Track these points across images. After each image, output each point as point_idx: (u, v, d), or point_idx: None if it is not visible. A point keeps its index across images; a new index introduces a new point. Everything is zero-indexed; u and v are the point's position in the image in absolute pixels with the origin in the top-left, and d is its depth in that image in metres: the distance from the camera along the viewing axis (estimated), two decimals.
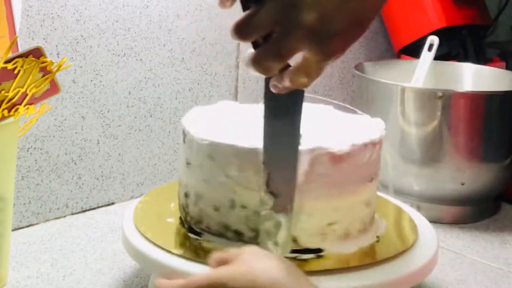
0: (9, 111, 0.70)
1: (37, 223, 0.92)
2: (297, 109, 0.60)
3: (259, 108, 0.79)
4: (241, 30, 0.55)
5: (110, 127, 0.98)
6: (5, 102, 0.69)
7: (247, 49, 0.57)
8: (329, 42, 0.54)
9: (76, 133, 0.94)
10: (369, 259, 0.67)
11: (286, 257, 0.64)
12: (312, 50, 0.54)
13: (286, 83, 0.56)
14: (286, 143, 0.62)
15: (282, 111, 0.60)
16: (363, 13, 0.54)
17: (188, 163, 0.70)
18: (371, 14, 0.55)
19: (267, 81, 0.59)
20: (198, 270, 0.63)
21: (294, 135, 0.61)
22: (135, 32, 0.98)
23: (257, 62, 0.55)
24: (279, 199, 0.63)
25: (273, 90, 0.58)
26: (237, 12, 0.56)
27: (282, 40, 0.54)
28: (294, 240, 0.66)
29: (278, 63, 0.55)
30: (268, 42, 0.55)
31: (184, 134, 0.70)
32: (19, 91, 0.69)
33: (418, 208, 0.90)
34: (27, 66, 0.69)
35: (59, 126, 0.92)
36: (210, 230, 0.68)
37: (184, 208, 0.72)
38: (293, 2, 0.53)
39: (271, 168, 0.62)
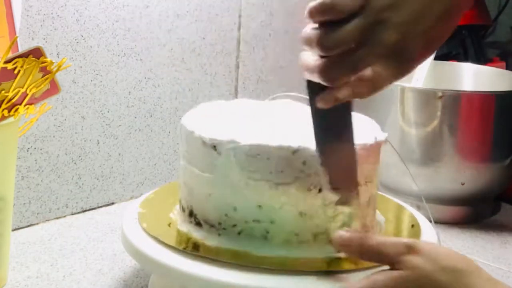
0: (9, 111, 0.70)
1: (37, 223, 0.92)
2: (349, 106, 0.61)
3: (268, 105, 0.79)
4: (324, 43, 0.56)
5: (110, 127, 0.98)
6: (5, 102, 0.69)
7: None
8: (404, 63, 0.57)
9: (76, 133, 0.94)
10: None
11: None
12: (387, 68, 0.56)
13: (345, 92, 0.57)
14: (341, 141, 0.63)
15: (333, 113, 0.60)
16: (437, 36, 0.58)
17: (212, 171, 0.68)
18: (443, 38, 0.59)
19: (312, 88, 0.59)
20: (198, 270, 0.63)
21: (348, 133, 0.62)
22: (135, 32, 0.98)
23: (326, 71, 0.56)
24: (343, 193, 0.64)
25: (320, 104, 0.59)
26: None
27: (361, 55, 0.56)
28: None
29: (347, 75, 0.57)
30: (345, 54, 0.56)
31: (206, 142, 0.68)
32: (19, 91, 0.69)
33: (418, 208, 0.90)
34: (27, 66, 0.69)
35: (59, 126, 0.92)
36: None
37: (189, 207, 0.72)
38: (380, 20, 0.55)
39: (330, 168, 0.63)
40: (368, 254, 0.58)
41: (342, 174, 0.64)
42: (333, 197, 0.64)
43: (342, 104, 0.59)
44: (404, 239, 0.57)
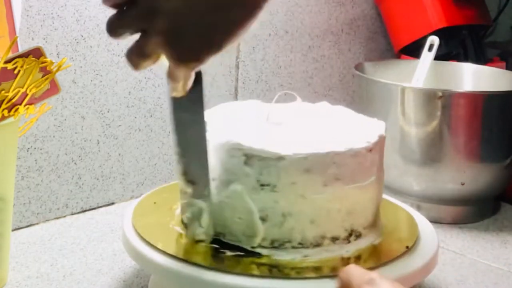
0: (9, 111, 0.70)
1: (37, 223, 0.92)
2: (199, 101, 0.64)
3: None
4: (109, 28, 0.58)
5: (110, 127, 0.98)
6: (5, 102, 0.69)
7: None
8: (180, 51, 0.57)
9: (76, 133, 0.94)
10: (369, 259, 0.67)
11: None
12: (167, 56, 0.58)
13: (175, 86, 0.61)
14: (195, 133, 0.65)
15: (186, 105, 0.64)
16: (215, 30, 0.57)
17: (266, 185, 0.66)
18: (223, 32, 0.57)
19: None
20: (195, 272, 0.63)
21: (200, 125, 0.65)
22: None
23: (128, 57, 0.59)
24: (197, 186, 0.66)
25: (171, 95, 0.63)
26: None
27: (144, 42, 0.57)
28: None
29: (144, 61, 0.59)
30: (136, 41, 0.58)
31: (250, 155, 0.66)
32: (19, 91, 0.69)
33: (418, 208, 0.90)
34: (27, 66, 0.69)
35: (59, 126, 0.92)
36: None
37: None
38: (153, 8, 0.56)
39: (187, 158, 0.66)
40: (341, 278, 0.58)
41: (196, 168, 0.66)
42: (188, 189, 0.67)
43: (192, 98, 0.62)
44: (373, 272, 0.57)
